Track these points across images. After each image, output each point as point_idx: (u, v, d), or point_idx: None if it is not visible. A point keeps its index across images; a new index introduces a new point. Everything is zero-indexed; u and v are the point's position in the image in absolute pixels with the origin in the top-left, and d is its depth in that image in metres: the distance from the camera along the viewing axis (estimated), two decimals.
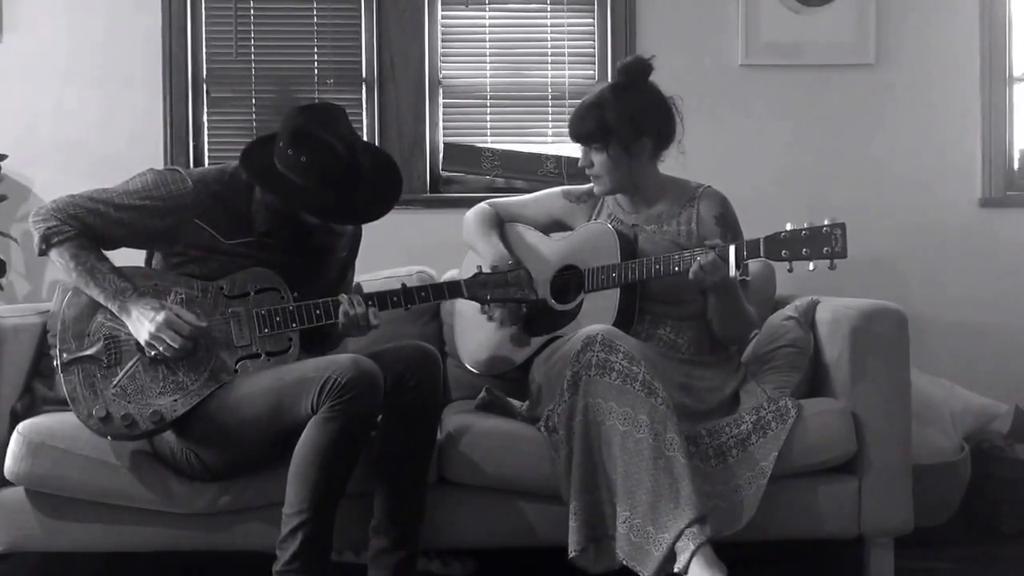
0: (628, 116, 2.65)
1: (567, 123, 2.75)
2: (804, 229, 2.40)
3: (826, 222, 2.38)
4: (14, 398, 2.70)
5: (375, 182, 2.52)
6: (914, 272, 3.74)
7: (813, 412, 2.60)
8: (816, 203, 3.69)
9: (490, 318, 2.73)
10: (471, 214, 2.94)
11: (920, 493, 2.69)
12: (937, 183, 3.76)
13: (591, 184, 2.91)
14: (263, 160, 2.47)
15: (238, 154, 2.53)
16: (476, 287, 2.57)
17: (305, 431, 2.30)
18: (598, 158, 2.69)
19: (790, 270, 2.42)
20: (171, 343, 2.38)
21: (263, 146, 2.52)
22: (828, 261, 2.37)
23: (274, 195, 2.46)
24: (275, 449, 2.40)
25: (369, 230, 2.83)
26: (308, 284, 2.58)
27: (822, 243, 2.37)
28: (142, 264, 2.60)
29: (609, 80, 3.48)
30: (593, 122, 2.66)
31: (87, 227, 2.46)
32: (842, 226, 2.36)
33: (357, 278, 2.83)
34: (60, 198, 2.49)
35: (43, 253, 2.47)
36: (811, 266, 2.39)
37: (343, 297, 2.48)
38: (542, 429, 2.54)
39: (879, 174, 3.75)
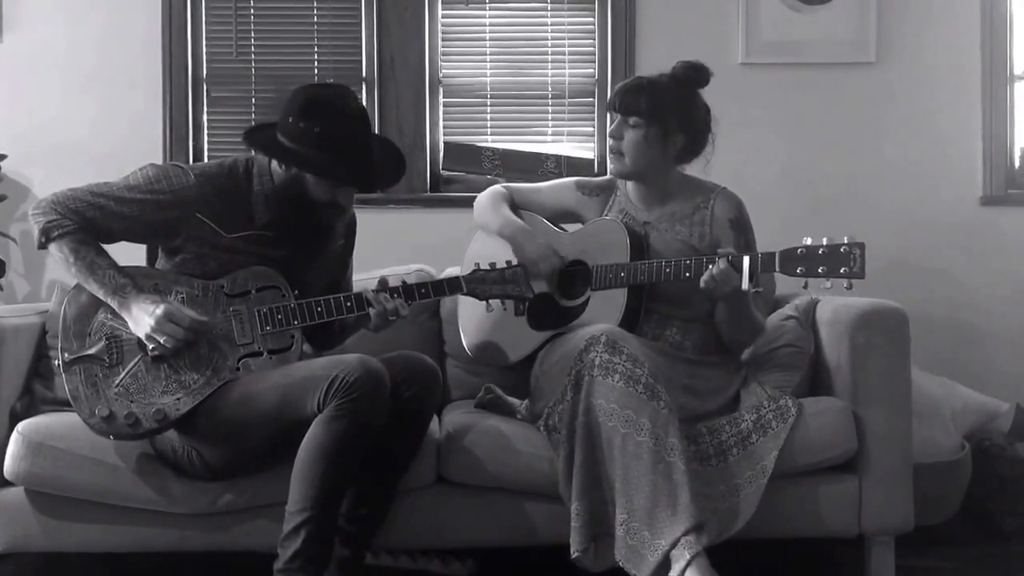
0: (680, 108, 2.67)
1: (612, 95, 2.72)
2: (822, 246, 2.37)
3: (845, 240, 2.35)
4: (14, 398, 2.70)
5: (384, 150, 2.58)
6: (915, 270, 3.74)
7: (814, 411, 2.60)
8: (816, 202, 3.70)
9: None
10: (484, 195, 2.92)
11: (921, 492, 2.69)
12: (938, 181, 3.76)
13: (605, 177, 2.90)
14: (268, 141, 2.49)
15: (239, 153, 2.54)
16: (475, 283, 2.59)
17: (310, 429, 2.30)
18: (632, 134, 2.67)
19: (805, 286, 2.41)
20: (172, 335, 2.38)
21: (261, 131, 2.55)
22: (845, 280, 2.34)
23: (296, 167, 2.46)
24: (278, 448, 2.40)
25: (369, 229, 2.83)
26: (309, 279, 2.59)
27: (840, 262, 2.34)
28: (143, 263, 2.60)
29: (610, 82, 3.50)
30: (647, 98, 2.65)
31: (87, 221, 2.45)
32: (861, 246, 2.33)
33: (357, 276, 2.83)
34: (60, 191, 2.48)
35: (43, 246, 2.46)
36: (828, 284, 2.36)
37: (369, 293, 2.48)
38: (541, 428, 2.54)
39: (880, 172, 3.75)
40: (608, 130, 2.74)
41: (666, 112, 2.65)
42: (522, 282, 2.59)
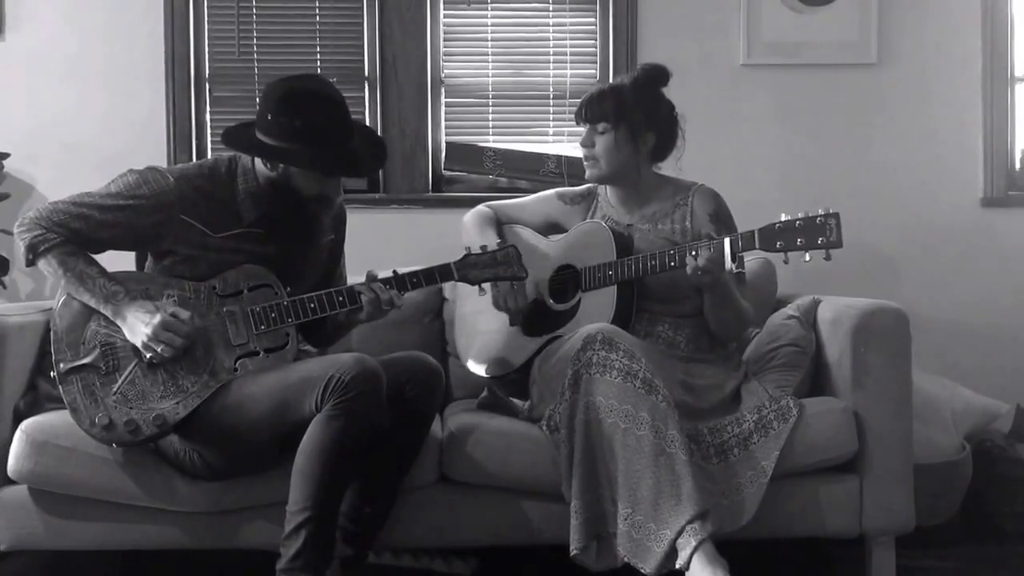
0: (644, 107, 2.73)
1: (578, 108, 2.77)
2: (798, 219, 2.41)
3: (820, 212, 2.39)
4: (17, 396, 2.70)
5: (363, 136, 2.57)
6: (915, 271, 3.74)
7: (815, 411, 2.61)
8: (817, 203, 3.67)
9: (498, 306, 2.73)
10: (469, 216, 2.96)
11: (921, 492, 2.69)
12: (938, 183, 3.77)
13: (586, 185, 2.94)
14: (250, 141, 2.46)
15: (220, 152, 2.53)
16: (466, 268, 2.57)
17: (309, 429, 2.30)
18: (603, 139, 2.72)
19: (786, 261, 2.43)
20: (169, 344, 2.38)
21: (241, 131, 2.52)
22: (824, 251, 2.37)
23: (282, 163, 2.44)
24: (278, 449, 2.40)
25: (369, 229, 2.83)
26: (299, 274, 2.59)
27: (817, 233, 2.38)
28: (132, 268, 2.59)
29: (611, 79, 3.50)
30: (611, 103, 2.72)
31: (73, 233, 2.43)
32: (836, 216, 2.37)
33: (357, 277, 2.83)
34: (42, 207, 2.46)
35: (31, 263, 2.44)
36: (807, 257, 2.39)
37: (361, 286, 2.48)
38: (544, 428, 2.55)
39: (880, 174, 3.76)
40: (580, 140, 2.78)
41: (632, 112, 2.71)
42: (514, 263, 2.59)
